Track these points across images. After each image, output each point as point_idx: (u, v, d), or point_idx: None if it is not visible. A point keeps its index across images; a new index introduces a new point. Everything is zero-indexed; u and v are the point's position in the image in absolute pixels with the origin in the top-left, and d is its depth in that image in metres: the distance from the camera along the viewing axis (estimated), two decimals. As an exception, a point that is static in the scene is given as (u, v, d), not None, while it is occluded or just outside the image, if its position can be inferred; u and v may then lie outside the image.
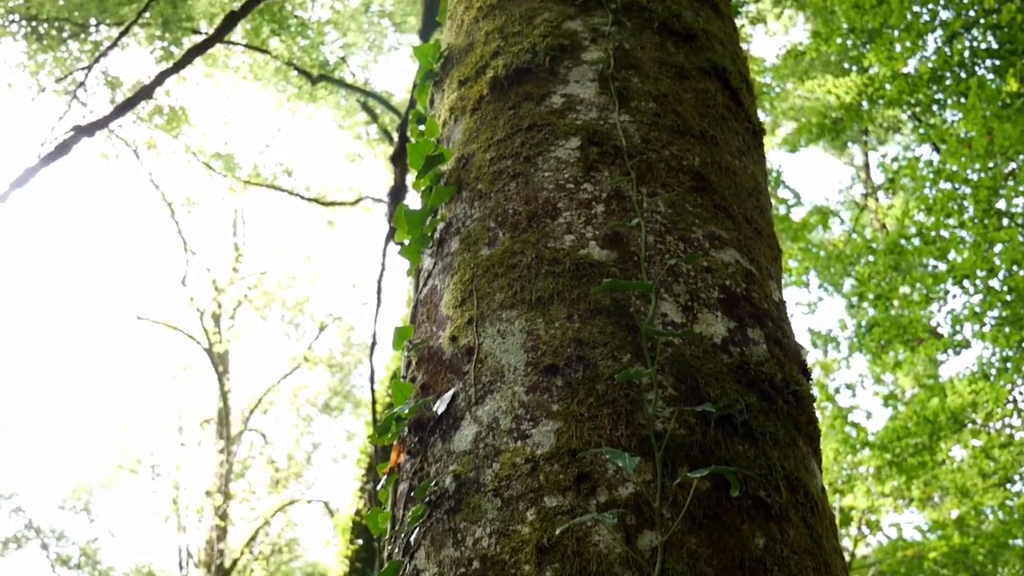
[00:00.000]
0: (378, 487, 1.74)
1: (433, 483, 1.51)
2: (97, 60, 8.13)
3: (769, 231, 1.93)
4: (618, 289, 1.59)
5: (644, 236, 1.66)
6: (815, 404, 1.68)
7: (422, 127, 2.29)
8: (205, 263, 23.16)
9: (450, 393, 1.60)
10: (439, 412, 1.60)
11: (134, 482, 22.15)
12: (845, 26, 9.68)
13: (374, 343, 5.28)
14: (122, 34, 7.11)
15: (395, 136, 11.61)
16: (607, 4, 2.09)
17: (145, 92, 5.47)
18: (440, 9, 2.66)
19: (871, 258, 10.16)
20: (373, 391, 5.20)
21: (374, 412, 5.82)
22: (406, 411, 1.66)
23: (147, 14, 11.58)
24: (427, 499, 1.51)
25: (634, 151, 1.81)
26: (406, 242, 1.97)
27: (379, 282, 5.36)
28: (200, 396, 22.48)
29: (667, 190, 1.77)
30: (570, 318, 1.58)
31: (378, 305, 5.34)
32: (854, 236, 14.24)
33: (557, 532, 1.33)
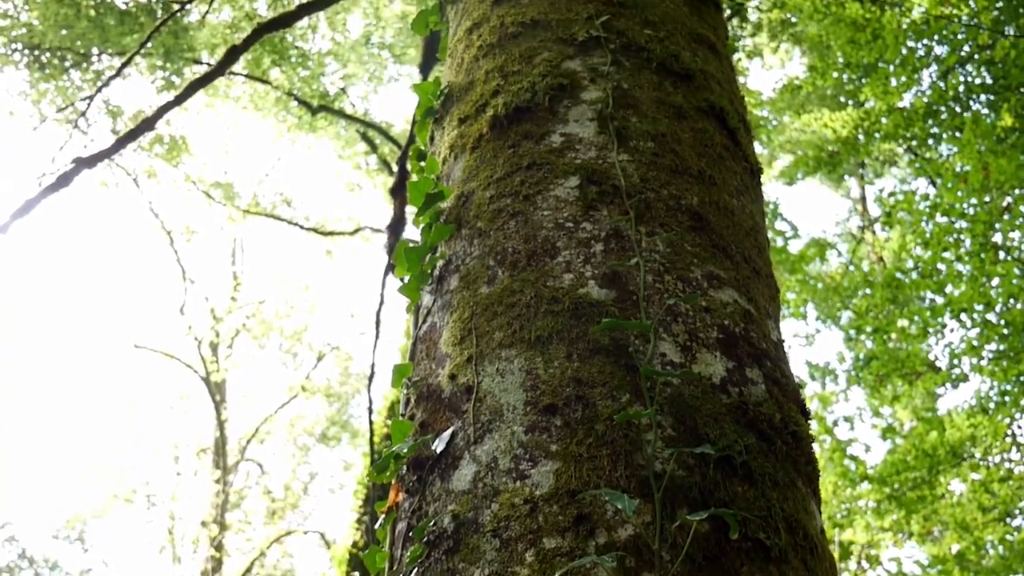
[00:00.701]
0: (376, 525, 1.73)
1: (431, 523, 1.51)
2: (99, 90, 8.19)
3: (767, 270, 1.94)
4: (617, 328, 1.59)
5: (643, 275, 1.67)
6: (813, 444, 1.68)
7: (422, 163, 2.30)
8: (203, 292, 23.14)
9: (449, 432, 1.60)
10: (438, 451, 1.59)
11: (129, 512, 22.01)
12: (841, 61, 9.76)
13: (372, 374, 5.26)
14: (124, 64, 7.16)
15: (394, 167, 11.65)
16: (606, 44, 2.11)
17: (147, 124, 5.50)
18: (440, 46, 2.69)
19: (868, 291, 10.17)
20: (371, 422, 5.18)
21: (372, 443, 5.79)
22: (405, 449, 1.65)
23: (149, 44, 11.67)
24: (425, 539, 1.50)
25: (633, 190, 1.83)
26: (406, 279, 1.97)
27: (378, 314, 5.36)
28: (197, 425, 22.38)
29: (666, 229, 1.78)
30: (569, 357, 1.58)
31: (376, 336, 5.34)
32: (851, 269, 14.26)
33: (556, 575, 1.33)
